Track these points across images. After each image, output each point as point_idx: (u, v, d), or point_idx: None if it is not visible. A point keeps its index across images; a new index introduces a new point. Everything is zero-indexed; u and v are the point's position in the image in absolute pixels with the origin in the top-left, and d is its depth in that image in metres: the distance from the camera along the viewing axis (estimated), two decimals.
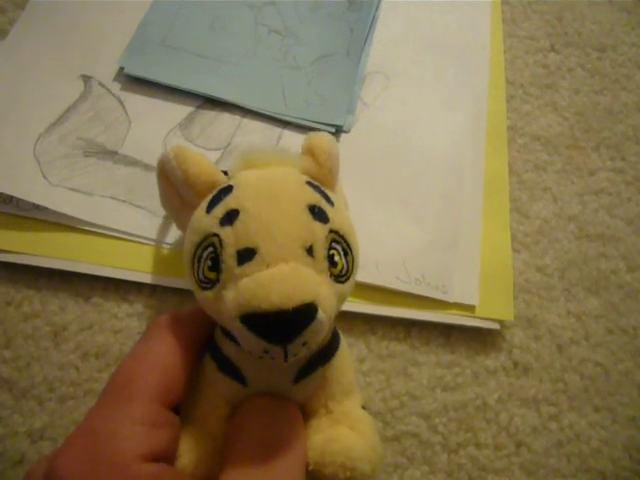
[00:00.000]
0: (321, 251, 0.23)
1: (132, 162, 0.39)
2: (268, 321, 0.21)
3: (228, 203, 0.23)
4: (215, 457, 0.24)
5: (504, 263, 0.38)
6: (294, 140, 0.40)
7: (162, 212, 0.37)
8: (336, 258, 0.24)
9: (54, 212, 0.36)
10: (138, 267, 0.36)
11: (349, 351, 0.28)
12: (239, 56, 0.43)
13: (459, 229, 0.38)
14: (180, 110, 0.41)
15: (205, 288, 0.23)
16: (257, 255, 0.22)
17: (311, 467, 0.24)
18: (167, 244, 0.36)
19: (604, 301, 0.39)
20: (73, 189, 0.37)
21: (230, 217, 0.23)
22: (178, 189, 0.28)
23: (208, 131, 0.40)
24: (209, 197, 0.25)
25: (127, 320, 0.35)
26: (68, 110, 0.40)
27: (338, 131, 0.41)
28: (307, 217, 0.23)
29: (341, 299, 0.24)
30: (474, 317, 0.36)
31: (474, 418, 0.35)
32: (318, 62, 0.43)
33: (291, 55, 0.43)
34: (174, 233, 0.37)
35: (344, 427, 0.25)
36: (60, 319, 0.35)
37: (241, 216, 0.23)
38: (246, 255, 0.22)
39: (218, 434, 0.25)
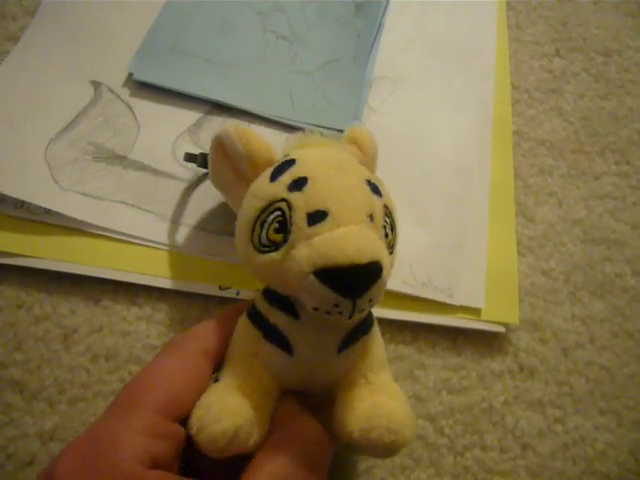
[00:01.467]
0: (380, 220, 0.25)
1: (141, 167, 0.39)
2: (343, 274, 0.22)
3: (294, 172, 0.25)
4: (255, 427, 0.25)
5: (510, 266, 0.38)
6: None
7: (170, 216, 0.37)
8: (387, 230, 0.26)
9: (64, 216, 0.36)
10: (147, 271, 0.36)
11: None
12: (247, 62, 0.43)
13: (465, 232, 0.38)
14: (189, 115, 0.41)
15: (266, 251, 0.25)
16: (329, 217, 0.23)
17: (356, 434, 0.24)
18: (175, 248, 0.37)
19: (609, 305, 0.39)
20: (83, 193, 0.38)
21: (299, 184, 0.24)
22: (236, 163, 0.28)
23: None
24: (271, 169, 0.26)
25: (136, 323, 0.35)
26: (78, 115, 0.40)
27: None
28: (367, 188, 0.25)
29: (391, 268, 0.26)
30: (480, 320, 0.36)
31: (480, 421, 0.35)
32: (325, 67, 0.43)
33: (299, 60, 0.44)
34: (182, 237, 0.37)
35: (385, 396, 0.26)
36: (70, 322, 0.35)
37: (310, 183, 0.24)
38: (317, 217, 0.23)
39: (260, 404, 0.25)
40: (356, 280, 0.22)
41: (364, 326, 0.27)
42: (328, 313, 0.23)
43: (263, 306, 0.27)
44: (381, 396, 0.26)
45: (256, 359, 0.26)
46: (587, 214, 0.42)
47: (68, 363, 0.34)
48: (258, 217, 0.25)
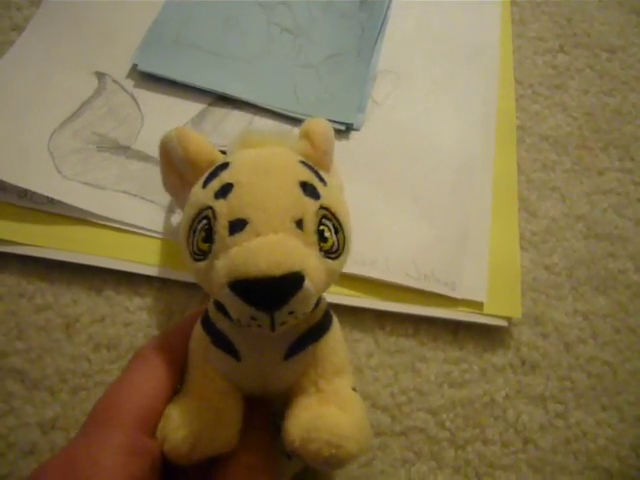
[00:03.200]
0: (311, 225, 0.23)
1: (144, 157, 0.39)
2: (255, 287, 0.21)
3: (223, 178, 0.24)
4: (217, 429, 0.25)
5: (512, 261, 0.38)
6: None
7: (173, 207, 0.37)
8: (326, 234, 0.24)
9: (67, 205, 0.36)
10: (149, 260, 0.36)
11: (341, 332, 0.28)
12: (251, 54, 0.43)
13: (468, 226, 0.38)
14: (192, 107, 0.41)
15: (198, 259, 0.24)
16: (248, 225, 0.23)
17: (297, 444, 0.24)
18: (177, 238, 0.37)
19: (612, 300, 0.39)
20: (86, 183, 0.38)
21: (224, 190, 0.24)
22: (179, 168, 0.28)
23: (220, 128, 0.41)
24: (206, 173, 0.26)
25: (138, 313, 0.35)
26: (82, 106, 0.40)
27: (349, 129, 0.41)
28: (298, 192, 0.24)
29: (331, 275, 0.25)
30: (482, 314, 0.36)
31: (481, 414, 0.35)
32: (330, 61, 0.43)
33: (303, 53, 0.44)
34: None
35: (333, 406, 0.25)
36: (72, 311, 0.35)
37: (235, 189, 0.24)
38: (238, 225, 0.23)
39: (220, 406, 0.25)
40: (269, 293, 0.21)
41: (313, 333, 0.26)
42: (249, 325, 0.23)
43: (212, 312, 0.27)
44: (329, 406, 0.25)
45: (208, 364, 0.26)
46: (590, 209, 0.42)
47: (69, 352, 0.34)
48: (191, 225, 0.25)
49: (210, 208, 0.24)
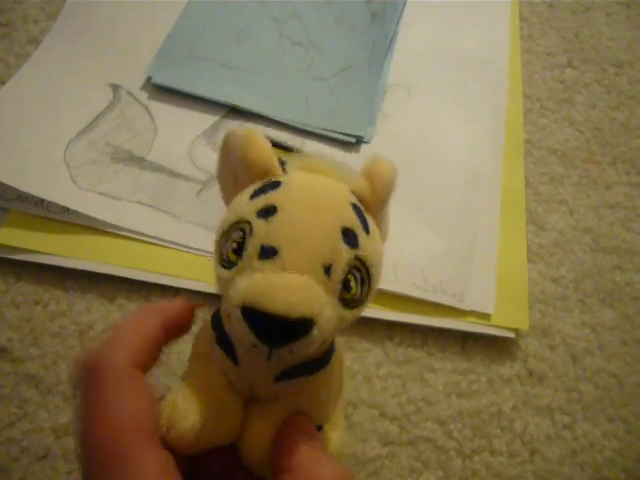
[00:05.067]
0: (339, 274, 0.23)
1: (158, 168, 0.40)
2: (264, 321, 0.21)
3: (270, 198, 0.24)
4: (222, 420, 0.25)
5: (520, 273, 0.39)
6: (316, 149, 0.42)
7: (186, 217, 0.38)
8: (352, 283, 0.24)
9: (82, 215, 0.37)
10: (162, 270, 0.37)
11: (341, 365, 0.28)
12: (264, 67, 0.44)
13: (476, 238, 0.39)
14: (205, 119, 0.42)
15: (224, 267, 0.24)
16: (278, 256, 0.22)
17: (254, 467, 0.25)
18: (190, 248, 0.37)
19: (619, 313, 0.39)
20: (101, 193, 0.38)
21: (268, 211, 0.23)
22: (235, 168, 0.28)
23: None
24: (258, 185, 0.25)
25: None
26: (97, 117, 0.41)
27: (359, 141, 0.42)
28: (337, 237, 0.23)
29: (343, 323, 0.25)
30: (489, 325, 0.37)
31: (489, 425, 0.35)
32: (341, 74, 0.44)
33: (314, 67, 0.44)
34: (197, 238, 0.38)
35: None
36: (86, 319, 0.36)
37: (277, 214, 0.23)
38: (269, 252, 0.23)
39: (223, 398, 0.26)
40: (276, 331, 0.22)
41: (307, 367, 0.26)
42: (248, 347, 0.23)
43: (223, 313, 0.26)
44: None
45: (210, 358, 0.26)
46: (598, 223, 0.42)
47: None
48: (227, 231, 0.24)
49: (249, 223, 0.23)
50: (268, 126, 0.42)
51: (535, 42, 0.49)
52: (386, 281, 0.37)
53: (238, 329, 0.22)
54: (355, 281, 0.24)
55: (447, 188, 0.41)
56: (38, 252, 0.36)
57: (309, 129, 0.42)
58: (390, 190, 0.27)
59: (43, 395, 0.34)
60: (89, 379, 0.23)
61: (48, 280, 0.37)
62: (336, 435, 0.27)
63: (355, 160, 0.41)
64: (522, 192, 0.42)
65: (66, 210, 0.37)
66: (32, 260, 0.36)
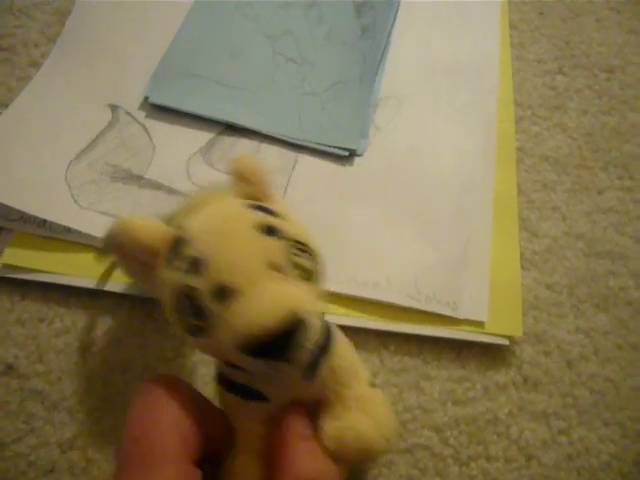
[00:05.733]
0: (285, 262, 0.24)
1: (157, 186, 0.41)
2: (265, 344, 0.23)
3: (187, 254, 0.25)
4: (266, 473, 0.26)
5: (513, 280, 0.39)
6: (310, 163, 0.42)
7: None
8: (300, 262, 0.25)
9: (83, 234, 0.38)
10: None
11: (342, 335, 0.30)
12: (257, 84, 0.45)
13: (469, 247, 0.39)
14: (202, 136, 0.43)
15: (196, 335, 0.25)
16: (230, 290, 0.23)
17: (332, 455, 0.26)
18: None
19: (613, 317, 0.39)
20: (102, 212, 0.39)
21: (195, 266, 0.24)
22: (136, 256, 0.28)
23: (228, 156, 0.42)
24: (166, 252, 0.26)
25: (151, 336, 0.37)
26: (97, 138, 0.42)
27: (352, 155, 0.42)
28: (259, 237, 0.25)
29: (320, 296, 0.26)
30: (483, 333, 0.37)
31: (485, 431, 0.36)
32: (333, 88, 0.45)
33: (307, 82, 0.45)
34: None
35: (355, 411, 0.27)
36: (88, 335, 0.37)
37: (203, 262, 0.24)
38: (222, 294, 0.23)
39: (263, 451, 0.27)
40: (281, 343, 0.23)
41: (323, 349, 0.27)
42: (276, 371, 0.25)
43: (228, 371, 0.27)
44: (352, 413, 0.27)
45: (243, 417, 0.28)
46: (591, 228, 0.42)
47: (86, 375, 0.36)
48: (175, 307, 0.25)
49: (187, 287, 0.24)
50: (262, 141, 0.43)
51: (526, 49, 0.50)
52: (380, 291, 0.37)
53: (253, 366, 0.24)
54: (300, 258, 0.25)
55: (439, 197, 0.41)
56: (41, 271, 0.38)
57: (302, 144, 0.43)
58: (261, 172, 0.29)
59: (49, 411, 0.35)
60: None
61: (52, 298, 0.38)
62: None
63: (349, 173, 0.42)
64: (514, 200, 0.42)
65: (68, 230, 0.38)
66: (36, 279, 0.37)
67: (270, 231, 0.25)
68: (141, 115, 0.44)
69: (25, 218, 0.39)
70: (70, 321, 0.37)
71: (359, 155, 0.43)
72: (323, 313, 0.29)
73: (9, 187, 0.39)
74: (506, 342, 0.37)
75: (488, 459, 0.35)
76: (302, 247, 0.26)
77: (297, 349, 0.23)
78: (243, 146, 0.43)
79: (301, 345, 0.23)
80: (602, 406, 0.37)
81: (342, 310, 0.37)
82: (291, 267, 0.25)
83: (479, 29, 0.49)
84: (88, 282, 0.37)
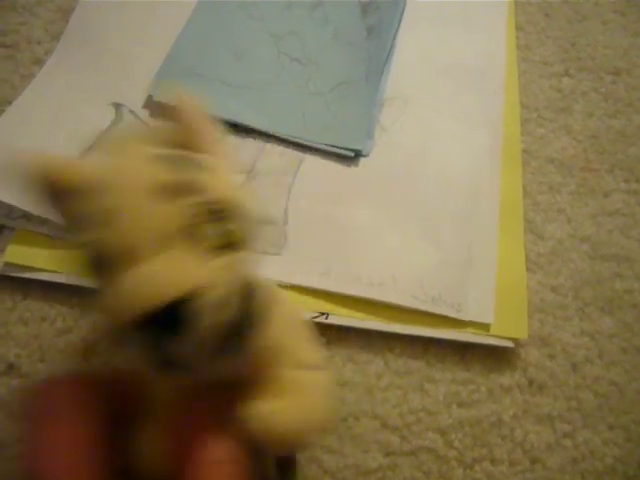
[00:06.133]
0: (197, 228, 0.21)
1: None
2: (146, 324, 0.20)
3: (83, 209, 0.22)
4: None
5: (518, 282, 0.39)
6: (315, 163, 0.42)
7: None
8: (219, 228, 0.21)
9: None
10: None
11: (290, 310, 0.27)
12: (262, 83, 0.45)
13: (475, 249, 0.39)
14: None
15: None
16: (110, 262, 0.21)
17: (257, 440, 0.24)
18: None
19: (618, 320, 0.39)
20: None
21: (86, 225, 0.22)
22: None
23: (232, 156, 0.42)
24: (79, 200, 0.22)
25: None
26: (101, 136, 0.42)
27: (357, 155, 0.42)
28: (154, 201, 0.21)
29: (242, 266, 0.22)
30: (489, 335, 0.37)
31: (489, 434, 0.35)
32: (338, 88, 0.45)
33: (312, 82, 0.45)
34: None
35: (285, 396, 0.25)
36: (91, 335, 0.36)
37: (103, 219, 0.21)
38: (103, 265, 0.21)
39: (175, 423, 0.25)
40: (166, 324, 0.20)
41: (234, 331, 0.23)
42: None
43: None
44: (282, 399, 0.25)
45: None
46: (596, 231, 0.42)
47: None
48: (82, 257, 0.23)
49: (92, 242, 0.21)
50: (267, 141, 0.43)
51: (532, 51, 0.50)
52: (385, 292, 0.37)
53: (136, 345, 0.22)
54: (221, 222, 0.21)
55: (445, 198, 0.41)
56: (43, 269, 0.37)
57: (307, 143, 0.42)
58: (197, 117, 0.24)
59: None
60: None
61: (54, 297, 0.37)
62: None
63: (354, 173, 0.42)
64: (520, 201, 0.42)
65: None
66: (38, 278, 0.37)
67: (180, 191, 0.21)
68: (145, 114, 0.44)
69: (27, 216, 0.38)
70: (72, 320, 0.37)
71: (365, 155, 0.42)
72: (251, 284, 0.24)
73: (12, 185, 0.39)
74: (511, 344, 0.37)
75: (492, 462, 0.35)
76: (221, 210, 0.22)
77: (188, 329, 0.20)
78: (249, 146, 0.43)
79: (192, 324, 0.20)
80: (606, 409, 0.37)
81: (346, 311, 0.37)
82: (203, 235, 0.21)
83: (485, 30, 0.49)
84: (90, 281, 0.37)
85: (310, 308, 0.37)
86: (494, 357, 0.37)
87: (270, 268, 0.38)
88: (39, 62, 0.46)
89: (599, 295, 0.40)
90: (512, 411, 0.36)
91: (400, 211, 0.40)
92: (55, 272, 0.37)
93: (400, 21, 0.49)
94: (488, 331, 0.37)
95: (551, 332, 0.39)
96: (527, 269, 0.40)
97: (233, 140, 0.43)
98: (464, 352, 0.38)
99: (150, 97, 0.44)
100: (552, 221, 0.42)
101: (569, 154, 0.45)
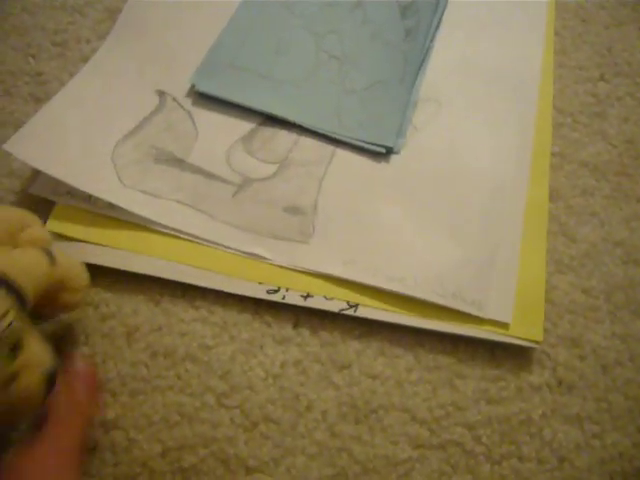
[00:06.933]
0: None
1: (197, 170, 0.42)
2: None
3: None
4: None
5: (538, 285, 0.39)
6: (347, 158, 0.43)
7: (222, 217, 0.40)
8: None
9: (125, 211, 0.39)
10: (198, 264, 0.39)
11: None
12: (300, 78, 0.46)
13: (497, 249, 0.40)
14: (243, 126, 0.44)
15: None
16: None
17: None
18: (224, 247, 0.39)
19: None
20: (143, 191, 0.40)
21: None
22: None
23: (268, 146, 0.43)
24: None
25: (193, 324, 0.37)
26: (144, 121, 0.43)
27: (388, 152, 0.43)
28: None
29: None
30: (507, 334, 0.37)
31: (518, 432, 0.36)
32: (373, 87, 0.45)
33: (348, 79, 0.46)
34: (230, 237, 0.40)
35: None
36: (133, 321, 0.37)
37: None
38: None
39: None
40: None
41: None
42: None
43: None
44: None
45: None
46: (629, 235, 0.42)
47: (129, 358, 0.36)
48: None
49: None
50: (301, 134, 0.44)
51: (568, 56, 0.50)
52: (406, 286, 0.38)
53: None
54: None
55: (472, 199, 0.42)
56: (85, 241, 0.39)
57: (340, 138, 0.43)
58: None
59: None
60: None
61: (99, 284, 0.38)
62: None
63: (384, 169, 0.43)
64: (545, 207, 0.42)
65: (111, 206, 0.39)
66: (78, 253, 0.38)
67: None
68: (187, 102, 0.45)
69: (72, 193, 0.40)
70: (115, 306, 0.38)
71: (396, 153, 0.43)
72: None
73: (60, 163, 0.40)
74: (532, 345, 0.37)
75: (520, 459, 0.35)
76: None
77: None
78: (282, 137, 0.44)
79: None
80: (637, 412, 0.37)
81: (372, 302, 0.38)
82: None
83: (523, 35, 0.49)
84: (132, 263, 0.38)
85: (338, 297, 0.38)
86: (524, 356, 0.38)
87: (297, 256, 0.39)
88: (87, 60, 0.47)
89: (631, 299, 0.40)
90: (541, 410, 0.36)
91: (427, 209, 0.41)
92: (97, 244, 0.39)
93: (439, 24, 0.49)
94: (507, 330, 0.37)
95: (582, 333, 0.39)
96: (558, 271, 0.40)
97: (268, 131, 0.44)
98: (494, 349, 0.38)
99: (193, 86, 0.45)
100: (585, 224, 0.43)
101: (604, 158, 0.45)
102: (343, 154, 0.43)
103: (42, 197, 0.41)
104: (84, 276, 0.34)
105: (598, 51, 0.50)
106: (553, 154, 0.45)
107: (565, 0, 0.53)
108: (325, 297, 0.38)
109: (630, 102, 0.48)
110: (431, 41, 0.48)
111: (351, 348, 0.38)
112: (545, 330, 0.38)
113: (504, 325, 0.38)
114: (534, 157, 0.44)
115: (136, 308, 0.38)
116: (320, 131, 0.44)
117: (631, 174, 0.45)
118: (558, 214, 0.43)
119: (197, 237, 0.39)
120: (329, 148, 0.43)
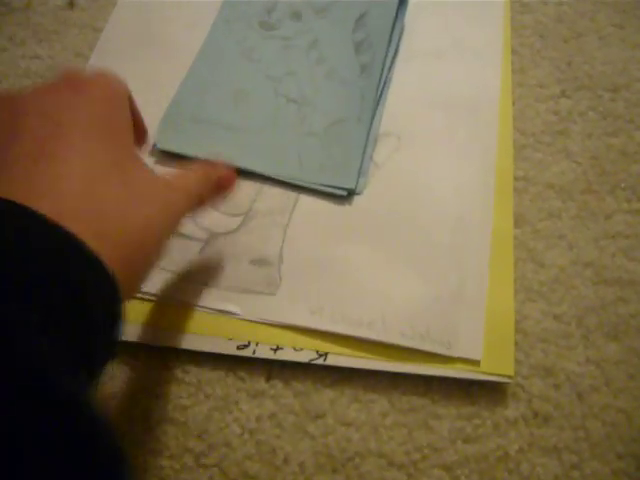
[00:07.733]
0: None
1: None
2: None
3: None
4: None
5: (507, 317, 0.39)
6: (310, 203, 0.44)
7: (189, 275, 0.41)
8: None
9: None
10: (171, 327, 0.39)
11: None
12: (259, 126, 0.46)
13: (465, 285, 0.40)
14: None
15: None
16: None
17: None
18: (197, 307, 0.40)
19: (624, 346, 0.39)
20: None
21: None
22: None
23: (231, 198, 0.44)
24: None
25: (167, 386, 0.38)
26: None
27: (350, 194, 0.43)
28: None
29: None
30: (479, 372, 0.37)
31: (495, 469, 0.36)
32: (332, 128, 0.46)
33: (307, 122, 0.46)
34: (198, 294, 0.40)
35: None
36: (109, 388, 0.38)
37: None
38: None
39: None
40: None
41: None
42: None
43: None
44: None
45: None
46: (599, 255, 0.42)
47: None
48: None
49: None
50: (264, 183, 0.44)
51: (527, 75, 0.50)
52: (374, 331, 0.38)
53: None
54: None
55: (436, 234, 0.42)
56: None
57: (302, 184, 0.44)
58: None
59: None
60: None
61: None
62: None
63: (347, 212, 0.43)
64: (510, 235, 0.42)
65: None
66: None
67: None
68: (150, 161, 0.45)
69: None
70: None
71: (358, 194, 0.43)
72: None
73: None
74: (504, 380, 0.37)
75: None
76: None
77: None
78: (246, 187, 0.44)
79: None
80: (615, 438, 0.37)
81: (341, 350, 0.38)
82: None
83: (480, 59, 0.49)
84: None
85: (307, 347, 0.38)
86: (498, 390, 0.38)
87: (265, 309, 0.39)
88: None
89: (603, 321, 0.40)
90: (518, 444, 0.36)
91: (392, 247, 0.41)
92: None
93: (395, 55, 0.49)
94: (478, 367, 0.37)
95: (555, 362, 0.39)
96: (528, 299, 0.40)
97: None
98: (468, 386, 0.38)
99: (154, 145, 0.45)
100: (553, 247, 0.42)
101: (569, 178, 0.45)
102: (306, 200, 0.44)
103: None
104: None
105: (558, 66, 0.50)
106: (517, 178, 0.45)
107: (522, 17, 0.53)
108: (294, 348, 0.38)
109: (593, 116, 0.48)
110: (388, 74, 0.48)
111: (324, 396, 0.38)
112: (518, 361, 0.38)
113: (475, 362, 0.38)
114: (498, 183, 0.44)
115: (112, 375, 0.38)
116: (282, 179, 0.44)
117: (597, 191, 0.44)
118: (525, 240, 0.42)
119: (166, 298, 0.40)
120: (292, 195, 0.44)
